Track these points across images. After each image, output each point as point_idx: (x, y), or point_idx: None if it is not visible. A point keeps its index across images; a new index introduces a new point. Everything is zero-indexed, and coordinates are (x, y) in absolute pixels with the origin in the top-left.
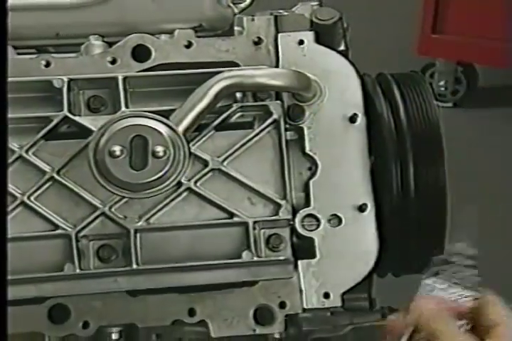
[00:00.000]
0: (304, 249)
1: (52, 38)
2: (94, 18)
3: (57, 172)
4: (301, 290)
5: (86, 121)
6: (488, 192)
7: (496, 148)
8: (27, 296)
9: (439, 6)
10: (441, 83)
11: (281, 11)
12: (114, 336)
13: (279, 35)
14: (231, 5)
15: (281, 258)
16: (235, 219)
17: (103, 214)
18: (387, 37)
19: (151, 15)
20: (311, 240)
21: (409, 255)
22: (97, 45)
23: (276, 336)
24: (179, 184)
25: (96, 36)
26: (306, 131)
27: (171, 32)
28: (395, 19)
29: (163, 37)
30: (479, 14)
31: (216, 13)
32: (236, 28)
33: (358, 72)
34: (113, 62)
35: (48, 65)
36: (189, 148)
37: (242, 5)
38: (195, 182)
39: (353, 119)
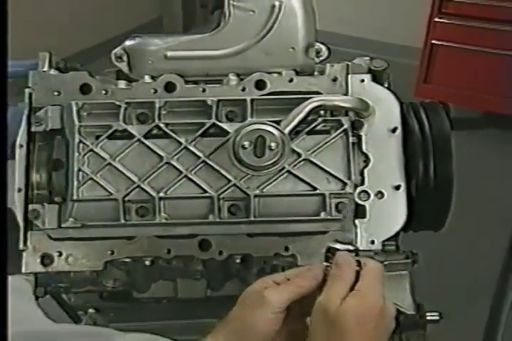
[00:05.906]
0: (359, 212)
1: (204, 76)
2: (230, 64)
3: (208, 157)
4: (356, 238)
5: (226, 126)
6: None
7: (463, 158)
8: (185, 233)
9: (429, 65)
10: None
11: (346, 62)
12: (238, 260)
13: (349, 75)
14: (314, 57)
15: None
16: (317, 191)
17: (234, 184)
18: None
19: (266, 62)
20: (364, 207)
21: (426, 219)
22: (233, 79)
23: None
24: (283, 168)
25: (233, 74)
26: (363, 137)
27: (279, 72)
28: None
29: (274, 75)
30: (454, 72)
31: (305, 62)
32: (316, 72)
33: (399, 100)
34: (243, 89)
35: (203, 90)
36: (290, 145)
37: (321, 58)
38: (293, 167)
39: (394, 130)
